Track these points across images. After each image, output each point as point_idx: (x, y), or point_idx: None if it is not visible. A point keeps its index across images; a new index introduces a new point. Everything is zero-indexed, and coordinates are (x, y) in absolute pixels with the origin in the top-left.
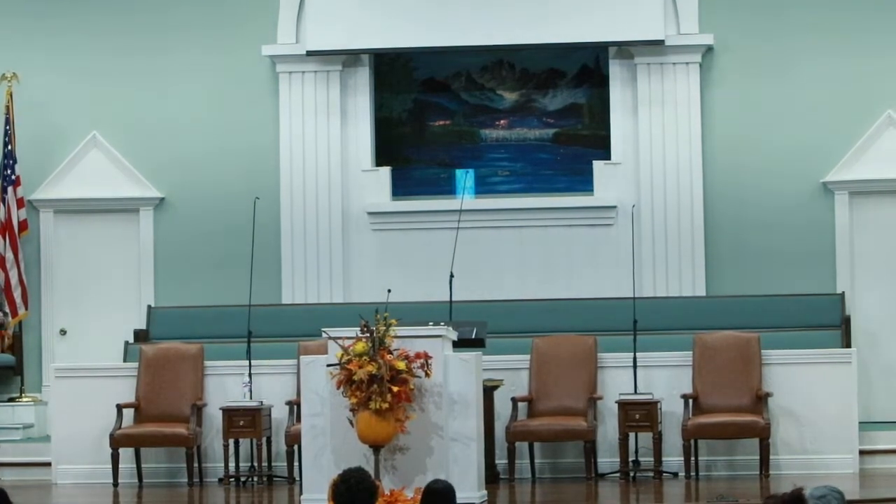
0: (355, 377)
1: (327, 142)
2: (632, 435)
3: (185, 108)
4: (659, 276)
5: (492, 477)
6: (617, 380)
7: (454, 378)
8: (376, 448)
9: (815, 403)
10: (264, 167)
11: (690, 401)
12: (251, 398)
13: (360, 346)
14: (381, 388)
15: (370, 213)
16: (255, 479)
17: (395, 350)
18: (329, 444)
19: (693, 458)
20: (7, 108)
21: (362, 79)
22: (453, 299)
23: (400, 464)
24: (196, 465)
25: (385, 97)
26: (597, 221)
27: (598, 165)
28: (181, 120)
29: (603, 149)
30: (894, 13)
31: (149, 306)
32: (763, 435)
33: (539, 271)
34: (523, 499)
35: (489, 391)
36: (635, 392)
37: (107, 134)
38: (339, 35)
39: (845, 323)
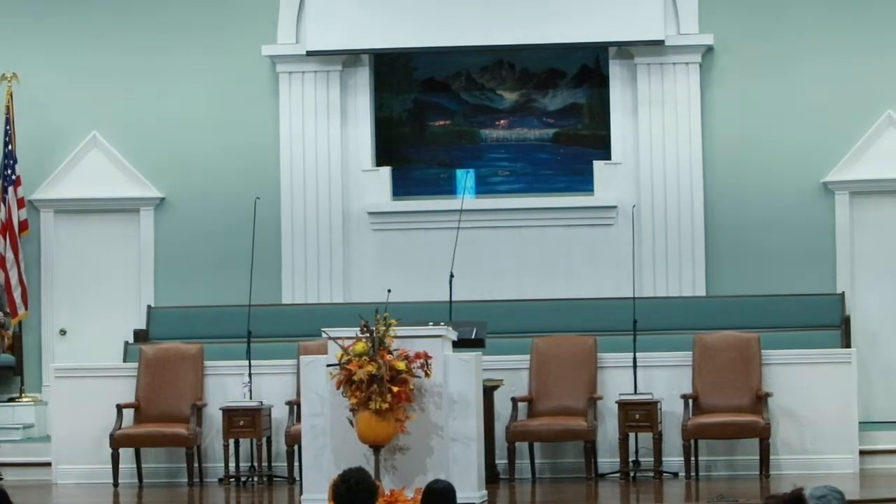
0: (355, 377)
1: (327, 142)
2: (632, 435)
3: (185, 109)
4: (659, 276)
5: (492, 477)
6: (617, 380)
7: (454, 378)
8: (376, 448)
9: (815, 403)
10: (264, 167)
11: (690, 401)
12: (251, 398)
13: (360, 346)
14: (381, 388)
15: (370, 213)
16: (255, 479)
17: (394, 350)
18: (329, 444)
19: (693, 458)
20: (7, 108)
21: (362, 79)
22: (453, 299)
23: (400, 464)
24: (196, 465)
25: (385, 97)
26: (597, 221)
27: (598, 165)
28: (181, 120)
29: (603, 149)
30: (894, 13)
31: (149, 306)
32: (763, 435)
33: (539, 271)
34: (523, 499)
35: (489, 391)
36: (635, 392)
37: (107, 134)
38: (339, 35)
39: (845, 323)
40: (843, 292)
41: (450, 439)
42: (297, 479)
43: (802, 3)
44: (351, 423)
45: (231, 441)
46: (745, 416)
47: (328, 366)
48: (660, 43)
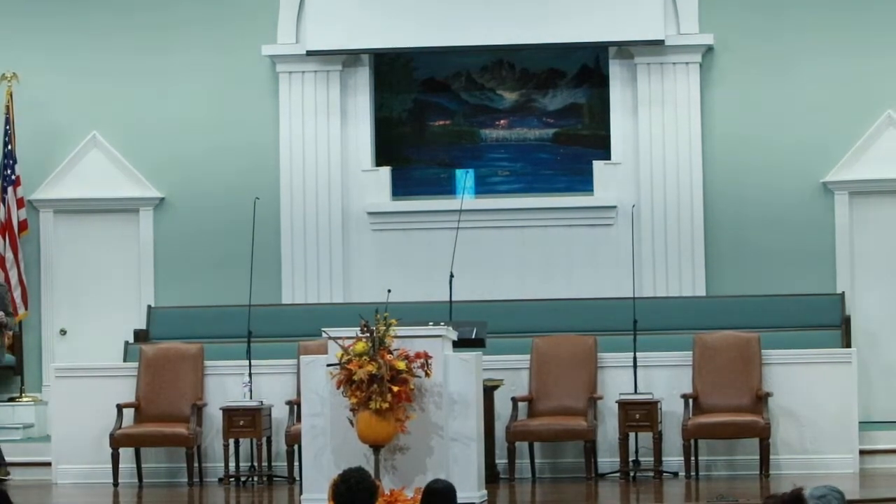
0: (355, 377)
1: (327, 142)
2: (632, 435)
3: (185, 109)
4: (659, 276)
5: (492, 477)
6: (617, 380)
7: (454, 378)
8: (376, 448)
9: (815, 403)
10: (264, 167)
11: (690, 401)
12: (251, 398)
13: (360, 346)
14: (381, 388)
15: (370, 213)
16: (255, 479)
17: (395, 350)
18: (329, 444)
19: (693, 458)
20: (7, 108)
21: (362, 79)
22: (453, 299)
23: (400, 464)
24: (196, 465)
25: (385, 97)
26: (597, 221)
27: (598, 165)
28: (181, 120)
29: (603, 149)
30: (894, 13)
31: (149, 306)
32: (763, 435)
33: (539, 271)
34: (523, 499)
35: (489, 391)
36: (635, 392)
37: (107, 134)
38: (339, 35)
39: (845, 323)
40: (843, 292)
41: (450, 439)
42: (297, 479)
43: (802, 3)
44: (351, 422)
45: (231, 441)
46: (745, 416)
47: (328, 366)
48: (660, 43)
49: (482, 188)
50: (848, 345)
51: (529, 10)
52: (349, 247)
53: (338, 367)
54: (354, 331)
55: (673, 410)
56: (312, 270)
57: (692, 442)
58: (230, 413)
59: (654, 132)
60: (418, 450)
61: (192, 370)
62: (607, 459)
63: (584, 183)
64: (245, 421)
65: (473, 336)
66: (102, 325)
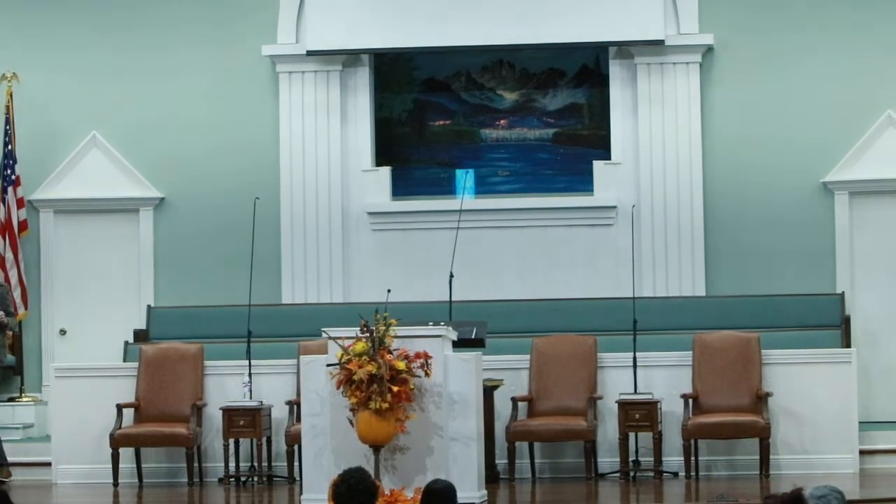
0: (355, 377)
1: (327, 142)
2: (632, 435)
3: (185, 109)
4: (659, 276)
5: (492, 477)
6: (617, 380)
7: (454, 378)
8: (376, 448)
9: (815, 403)
10: (264, 167)
11: (690, 401)
12: (251, 398)
13: (360, 346)
14: (381, 387)
15: (370, 213)
16: (255, 479)
17: (395, 350)
18: (329, 444)
19: (693, 458)
20: (7, 108)
21: (362, 79)
22: (453, 299)
23: (400, 464)
24: (196, 465)
25: (385, 97)
26: (597, 221)
27: (598, 165)
28: (181, 120)
29: (603, 149)
30: (894, 13)
31: (149, 306)
32: (763, 435)
33: (539, 271)
34: (523, 499)
35: (489, 391)
36: (635, 392)
37: (107, 134)
38: (339, 35)
39: (845, 323)
40: (843, 292)
41: (450, 439)
42: (297, 479)
43: (802, 3)
44: (351, 422)
45: (231, 441)
46: (745, 416)
47: (328, 366)
48: (660, 43)
49: (482, 188)
50: (848, 345)
51: (529, 10)
52: (349, 247)
53: (338, 367)
54: (354, 331)
55: (673, 410)
56: (312, 270)
57: (692, 442)
58: (230, 413)
59: (654, 132)
60: (418, 450)
61: (192, 370)
62: (607, 459)
63: (584, 183)
64: (245, 421)
65: (473, 336)
66: (102, 325)
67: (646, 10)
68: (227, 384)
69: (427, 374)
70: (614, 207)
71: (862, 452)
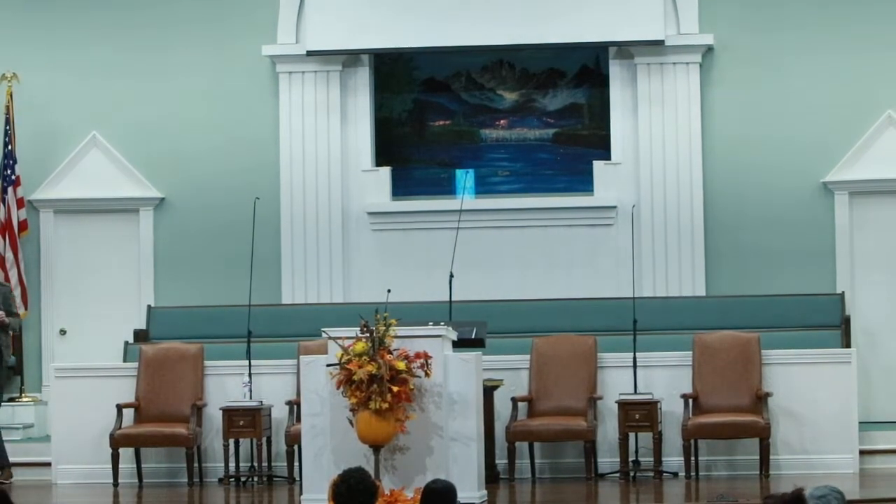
0: (355, 377)
1: (327, 142)
2: (632, 435)
3: (185, 109)
4: (659, 276)
5: (492, 477)
6: (617, 380)
7: (454, 378)
8: (376, 448)
9: (815, 403)
10: (264, 167)
11: (690, 401)
12: (251, 398)
13: (360, 346)
14: (381, 388)
15: (370, 213)
16: (255, 479)
17: (395, 350)
18: (329, 444)
19: (693, 458)
20: (7, 108)
21: (362, 79)
22: (453, 299)
23: (400, 464)
24: (196, 465)
25: (385, 97)
26: (597, 221)
27: (598, 165)
28: (181, 120)
29: (603, 149)
30: (894, 12)
31: (149, 306)
32: (763, 435)
33: (539, 271)
34: (523, 499)
35: (489, 391)
36: (635, 392)
37: (107, 134)
38: (339, 35)
39: (845, 323)
40: (843, 292)
41: (450, 439)
42: (297, 479)
43: (802, 2)
44: (351, 423)
45: (231, 441)
46: (745, 416)
47: (328, 366)
48: (660, 43)
49: (482, 188)
50: (848, 345)
51: (529, 10)
52: (349, 247)
53: (338, 367)
54: (354, 331)
55: (673, 410)
56: (312, 270)
57: (692, 442)
58: (230, 413)
59: (654, 132)
60: (418, 450)
61: (192, 370)
62: (607, 459)
63: (584, 183)
64: (245, 421)
65: (473, 336)
66: (102, 325)
67: (646, 10)
68: (227, 384)
69: (427, 374)
70: (614, 207)
71: (862, 452)
